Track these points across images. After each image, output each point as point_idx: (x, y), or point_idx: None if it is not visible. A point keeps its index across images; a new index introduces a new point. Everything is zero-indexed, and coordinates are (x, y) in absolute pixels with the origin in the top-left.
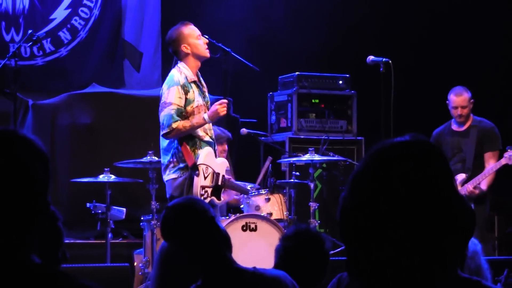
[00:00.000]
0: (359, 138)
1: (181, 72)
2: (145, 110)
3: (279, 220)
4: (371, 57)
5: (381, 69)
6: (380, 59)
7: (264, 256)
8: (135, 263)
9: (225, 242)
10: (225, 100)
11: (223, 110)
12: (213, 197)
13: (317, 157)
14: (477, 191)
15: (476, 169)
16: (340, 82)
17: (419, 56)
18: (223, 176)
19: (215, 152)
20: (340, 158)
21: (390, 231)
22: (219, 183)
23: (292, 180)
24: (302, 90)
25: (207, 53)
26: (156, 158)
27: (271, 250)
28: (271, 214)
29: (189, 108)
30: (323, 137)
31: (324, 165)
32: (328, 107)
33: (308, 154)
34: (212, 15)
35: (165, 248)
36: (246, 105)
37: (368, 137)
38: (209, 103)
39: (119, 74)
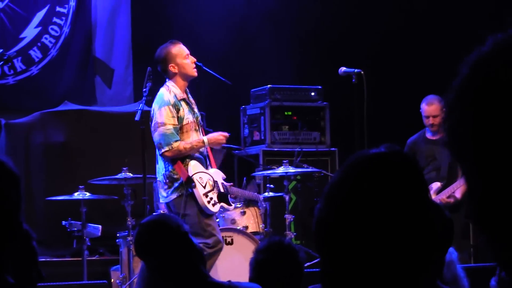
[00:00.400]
0: (333, 149)
1: (170, 91)
2: (118, 126)
3: (255, 233)
4: (343, 68)
5: (353, 80)
6: (352, 70)
7: (241, 269)
8: (112, 280)
9: (199, 257)
10: (228, 134)
11: (223, 141)
12: (223, 203)
13: (291, 169)
14: (452, 200)
15: (451, 177)
16: (313, 93)
17: (392, 66)
18: (222, 183)
19: (207, 167)
20: (314, 169)
21: (367, 242)
22: (221, 190)
23: (266, 193)
24: (275, 103)
25: (194, 73)
26: (131, 175)
27: (248, 263)
28: (247, 227)
29: (179, 126)
30: (296, 149)
31: (299, 177)
32: (301, 119)
33: (282, 167)
34: (184, 30)
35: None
36: (219, 119)
37: (341, 148)
38: (199, 118)
39: (91, 91)
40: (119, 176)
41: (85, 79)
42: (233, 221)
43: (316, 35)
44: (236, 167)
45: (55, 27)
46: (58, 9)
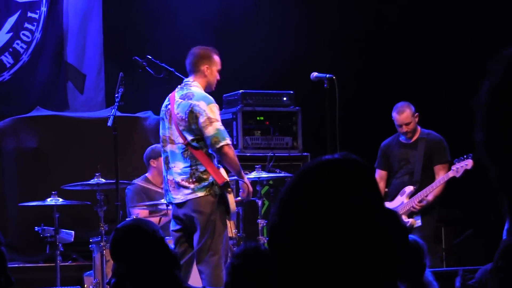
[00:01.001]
0: (305, 154)
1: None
2: (90, 132)
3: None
4: (314, 74)
5: (325, 85)
6: (324, 75)
7: None
8: (85, 286)
9: (175, 262)
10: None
11: (247, 196)
12: None
13: (264, 174)
14: (424, 203)
15: (424, 181)
16: (284, 98)
17: (364, 71)
18: None
19: None
20: (286, 174)
21: (319, 249)
22: None
23: (239, 197)
24: (247, 108)
25: (213, 88)
26: (104, 180)
27: None
28: None
29: None
30: (269, 154)
31: (271, 182)
32: (273, 124)
33: (254, 172)
34: (155, 35)
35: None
36: None
37: (314, 153)
38: None
39: (63, 96)
40: (91, 181)
41: (57, 85)
42: None
43: (288, 40)
44: None
45: (27, 33)
46: (29, 14)
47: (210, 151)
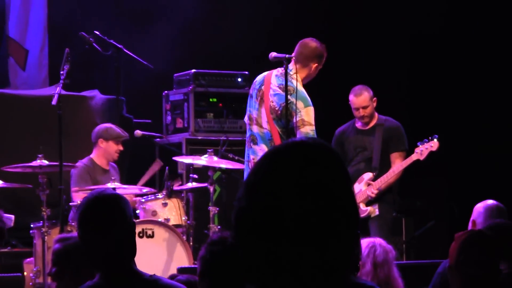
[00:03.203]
0: None
1: None
2: (33, 110)
3: (177, 226)
4: (273, 54)
5: (283, 66)
6: (283, 55)
7: (162, 263)
8: (25, 273)
9: (132, 249)
10: None
11: None
12: None
13: (216, 159)
14: (376, 191)
15: (383, 168)
16: (239, 79)
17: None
18: None
19: None
20: (240, 159)
21: (284, 232)
22: None
23: (190, 183)
24: (199, 89)
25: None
26: (46, 162)
27: (170, 257)
28: (168, 219)
29: None
30: (222, 138)
31: (223, 168)
32: (226, 106)
33: (206, 156)
34: (102, 11)
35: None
36: (140, 105)
37: None
38: None
39: (4, 72)
40: (33, 163)
41: None
42: (154, 213)
43: (243, 17)
44: (158, 155)
45: None
46: None
47: None
